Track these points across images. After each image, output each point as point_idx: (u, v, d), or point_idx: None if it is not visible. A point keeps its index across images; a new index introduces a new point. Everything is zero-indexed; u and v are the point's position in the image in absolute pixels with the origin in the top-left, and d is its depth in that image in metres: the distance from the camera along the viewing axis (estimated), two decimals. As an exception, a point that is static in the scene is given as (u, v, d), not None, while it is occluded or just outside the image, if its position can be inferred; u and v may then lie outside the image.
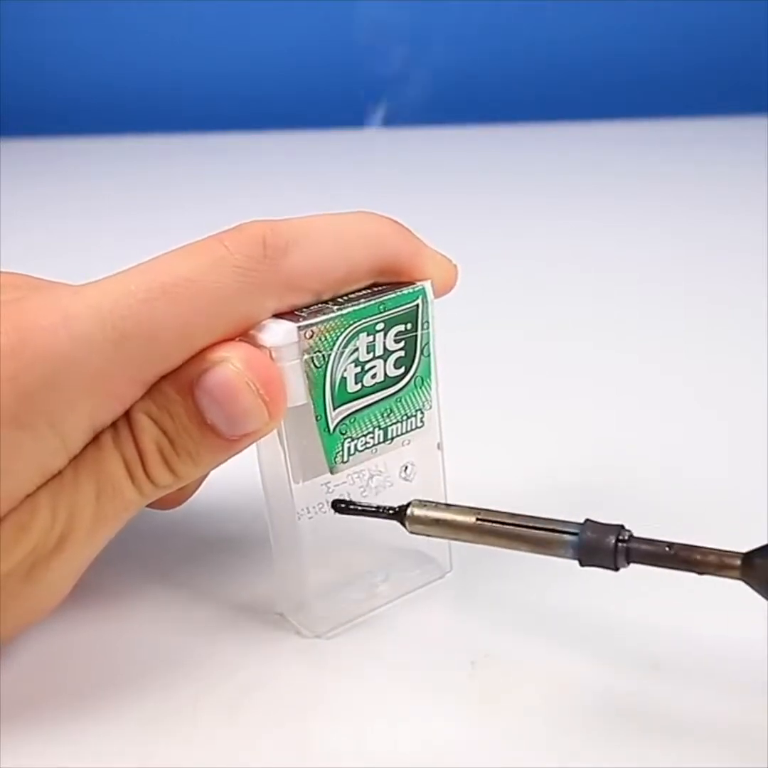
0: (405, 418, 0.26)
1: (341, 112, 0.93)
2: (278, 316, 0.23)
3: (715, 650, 0.25)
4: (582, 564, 0.23)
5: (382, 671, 0.25)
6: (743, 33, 0.91)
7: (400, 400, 0.25)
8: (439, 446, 0.27)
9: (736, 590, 0.22)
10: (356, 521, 0.26)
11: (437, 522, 0.25)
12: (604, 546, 0.23)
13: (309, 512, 0.25)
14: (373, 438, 0.25)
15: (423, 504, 0.25)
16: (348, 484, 0.26)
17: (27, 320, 0.22)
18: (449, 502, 0.25)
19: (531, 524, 0.24)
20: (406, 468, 0.27)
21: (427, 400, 0.26)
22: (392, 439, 0.26)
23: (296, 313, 0.24)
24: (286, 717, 0.24)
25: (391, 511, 0.25)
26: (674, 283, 0.53)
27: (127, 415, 0.23)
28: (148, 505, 0.25)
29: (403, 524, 0.25)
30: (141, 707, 0.24)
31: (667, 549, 0.22)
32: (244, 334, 0.23)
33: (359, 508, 0.26)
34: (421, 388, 0.26)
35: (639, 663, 0.25)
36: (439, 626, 0.27)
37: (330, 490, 0.25)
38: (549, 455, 0.36)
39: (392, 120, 0.91)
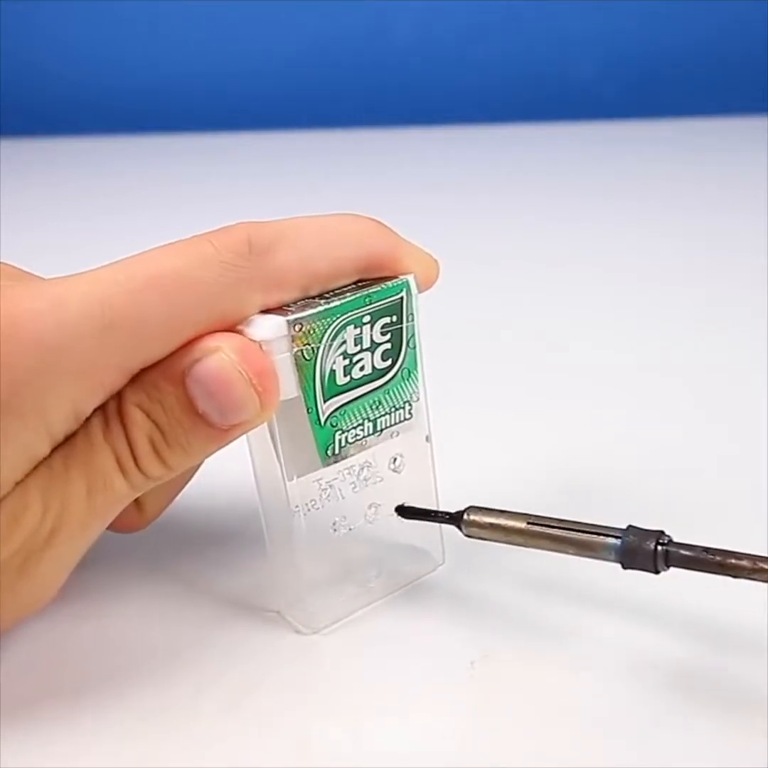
0: (393, 409, 0.26)
1: (342, 112, 0.93)
2: (266, 311, 0.24)
3: (720, 651, 0.25)
4: (624, 567, 0.24)
5: (381, 671, 0.25)
6: (743, 33, 0.90)
7: (388, 392, 0.26)
8: (427, 439, 0.27)
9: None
10: (349, 518, 0.26)
11: (491, 526, 0.26)
12: (645, 550, 0.24)
13: (303, 509, 0.25)
14: (362, 430, 0.26)
15: (478, 510, 0.26)
16: (340, 479, 0.26)
17: (16, 307, 0.22)
18: (502, 508, 0.26)
19: (577, 528, 0.25)
20: (395, 459, 0.27)
21: (414, 391, 0.26)
22: (381, 431, 0.26)
23: (284, 308, 0.24)
24: (284, 715, 0.24)
25: (447, 516, 0.27)
26: (674, 283, 0.53)
27: (118, 408, 0.23)
28: (107, 528, 0.25)
29: (459, 528, 0.27)
30: (138, 705, 0.24)
31: (704, 553, 0.24)
32: (233, 329, 0.24)
33: (420, 511, 0.27)
34: (408, 380, 0.26)
35: (639, 662, 0.25)
36: (438, 625, 0.27)
37: (323, 486, 0.25)
38: (547, 454, 0.36)
39: (394, 119, 0.91)
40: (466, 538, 0.27)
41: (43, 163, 0.88)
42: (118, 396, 0.23)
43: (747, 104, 0.87)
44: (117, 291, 0.22)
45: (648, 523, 0.29)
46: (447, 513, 0.27)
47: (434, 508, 0.28)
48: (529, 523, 0.25)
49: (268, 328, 0.23)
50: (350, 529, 0.27)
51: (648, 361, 0.44)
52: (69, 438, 0.23)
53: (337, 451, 0.25)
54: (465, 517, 0.26)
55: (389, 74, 0.94)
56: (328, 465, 0.25)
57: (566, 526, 0.25)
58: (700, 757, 0.22)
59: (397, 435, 0.26)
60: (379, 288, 0.25)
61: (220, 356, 0.23)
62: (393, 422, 0.26)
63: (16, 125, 0.92)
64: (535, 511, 0.26)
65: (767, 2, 0.89)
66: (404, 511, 0.27)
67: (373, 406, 0.26)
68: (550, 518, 0.25)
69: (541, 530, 0.25)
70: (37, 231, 0.66)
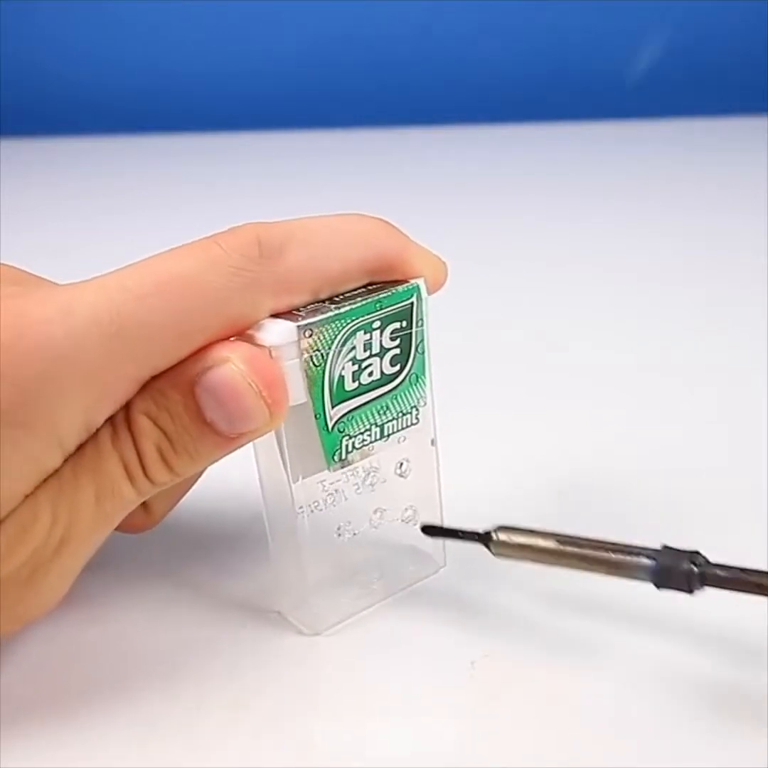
0: (401, 415, 0.26)
1: (342, 112, 0.93)
2: (276, 315, 0.24)
3: (725, 650, 0.25)
4: (658, 587, 0.24)
5: (383, 672, 0.25)
6: (743, 33, 0.90)
7: (396, 398, 0.26)
8: (433, 443, 0.27)
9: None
10: (354, 523, 0.26)
11: (521, 546, 0.26)
12: (679, 570, 0.24)
13: (307, 510, 0.25)
14: (370, 435, 0.25)
15: (506, 529, 0.26)
16: (343, 481, 0.26)
17: (25, 316, 0.22)
18: (531, 527, 0.26)
19: (609, 548, 0.25)
20: (402, 464, 0.27)
21: (422, 397, 0.26)
22: (388, 436, 0.26)
23: (294, 312, 0.24)
24: (288, 716, 0.24)
25: (476, 536, 0.27)
26: (674, 283, 0.53)
27: (126, 416, 0.23)
28: (115, 529, 0.25)
29: (488, 548, 0.26)
30: (143, 707, 0.24)
31: (740, 573, 0.23)
32: (242, 334, 0.23)
33: (447, 531, 0.27)
34: (416, 385, 0.26)
35: (639, 662, 0.25)
36: (439, 627, 0.27)
37: (326, 488, 0.25)
38: (547, 455, 0.36)
39: (394, 119, 0.91)
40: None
41: (43, 163, 0.87)
42: (126, 404, 0.23)
43: (747, 104, 0.87)
44: (125, 298, 0.22)
45: (647, 523, 0.29)
46: (476, 533, 0.26)
47: (441, 509, 0.28)
48: (559, 542, 0.25)
49: (278, 334, 0.23)
50: (355, 534, 0.27)
51: (648, 361, 0.44)
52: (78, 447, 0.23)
53: (343, 457, 0.25)
54: (494, 536, 0.26)
55: (389, 74, 0.94)
56: (335, 470, 0.25)
57: (598, 546, 0.25)
58: (700, 757, 0.22)
59: (404, 440, 0.26)
60: (389, 293, 0.25)
61: (229, 367, 0.22)
62: (400, 427, 0.26)
63: (16, 125, 0.92)
64: (534, 511, 0.26)
65: (767, 2, 0.89)
66: (431, 531, 0.27)
67: (381, 412, 0.26)
68: (581, 537, 0.25)
69: (572, 550, 0.25)
70: (37, 231, 0.66)
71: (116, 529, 0.25)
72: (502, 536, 0.26)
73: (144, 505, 0.27)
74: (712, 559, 0.24)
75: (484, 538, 0.26)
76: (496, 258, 0.59)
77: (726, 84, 0.90)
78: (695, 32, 0.91)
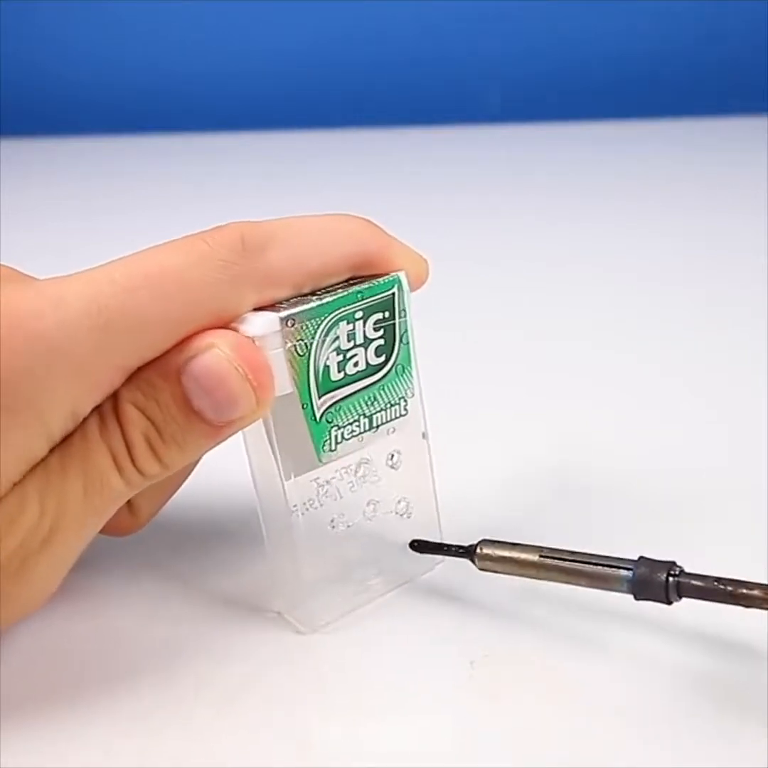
0: (389, 405, 0.26)
1: (342, 112, 0.93)
2: (259, 309, 0.24)
3: (726, 650, 0.25)
4: (636, 598, 0.24)
5: (381, 670, 0.25)
6: (743, 33, 0.91)
7: (383, 388, 0.26)
8: (424, 436, 0.27)
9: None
10: (347, 515, 0.26)
11: (504, 559, 0.26)
12: (656, 581, 0.24)
13: (301, 508, 0.25)
14: (358, 426, 0.26)
15: (491, 543, 0.27)
16: (337, 478, 0.26)
17: (16, 307, 0.22)
18: (514, 541, 0.27)
19: (589, 561, 0.25)
20: (393, 456, 0.27)
21: (409, 387, 0.27)
22: (377, 427, 0.26)
23: (277, 305, 0.24)
24: (283, 713, 0.24)
25: (461, 550, 0.27)
26: (674, 283, 0.53)
27: (114, 406, 0.23)
28: (100, 532, 0.25)
29: (473, 561, 0.27)
30: (137, 704, 0.24)
31: (715, 584, 0.24)
32: (226, 327, 0.24)
33: (433, 545, 0.28)
34: (402, 376, 0.26)
35: (640, 661, 0.25)
36: (437, 625, 0.27)
37: (320, 484, 0.26)
38: (547, 454, 0.36)
39: (394, 119, 0.91)
40: (464, 537, 0.27)
41: (43, 163, 0.88)
42: (114, 394, 0.23)
43: (747, 104, 0.87)
44: (113, 290, 0.22)
45: (647, 523, 0.29)
46: (460, 546, 0.27)
47: (436, 504, 0.28)
48: (541, 556, 0.26)
49: (261, 325, 0.23)
50: (349, 526, 0.27)
51: (648, 361, 0.44)
52: (66, 437, 0.23)
53: (333, 448, 0.25)
54: (478, 550, 0.27)
55: (389, 74, 0.94)
56: (325, 462, 0.25)
57: (578, 559, 0.25)
58: (700, 757, 0.22)
59: (394, 431, 0.27)
60: (370, 284, 0.25)
61: (215, 352, 0.23)
62: (388, 418, 0.26)
63: (16, 125, 0.92)
64: (534, 510, 0.26)
65: (767, 2, 0.89)
66: (418, 546, 0.28)
67: (369, 402, 0.26)
68: (563, 551, 0.26)
69: (553, 563, 0.25)
70: (37, 231, 0.67)
71: (101, 531, 0.25)
72: (486, 550, 0.26)
73: (130, 506, 0.27)
74: (714, 559, 0.24)
75: (468, 552, 0.27)
76: (496, 258, 0.59)
77: (726, 84, 0.90)
78: (695, 32, 0.91)
